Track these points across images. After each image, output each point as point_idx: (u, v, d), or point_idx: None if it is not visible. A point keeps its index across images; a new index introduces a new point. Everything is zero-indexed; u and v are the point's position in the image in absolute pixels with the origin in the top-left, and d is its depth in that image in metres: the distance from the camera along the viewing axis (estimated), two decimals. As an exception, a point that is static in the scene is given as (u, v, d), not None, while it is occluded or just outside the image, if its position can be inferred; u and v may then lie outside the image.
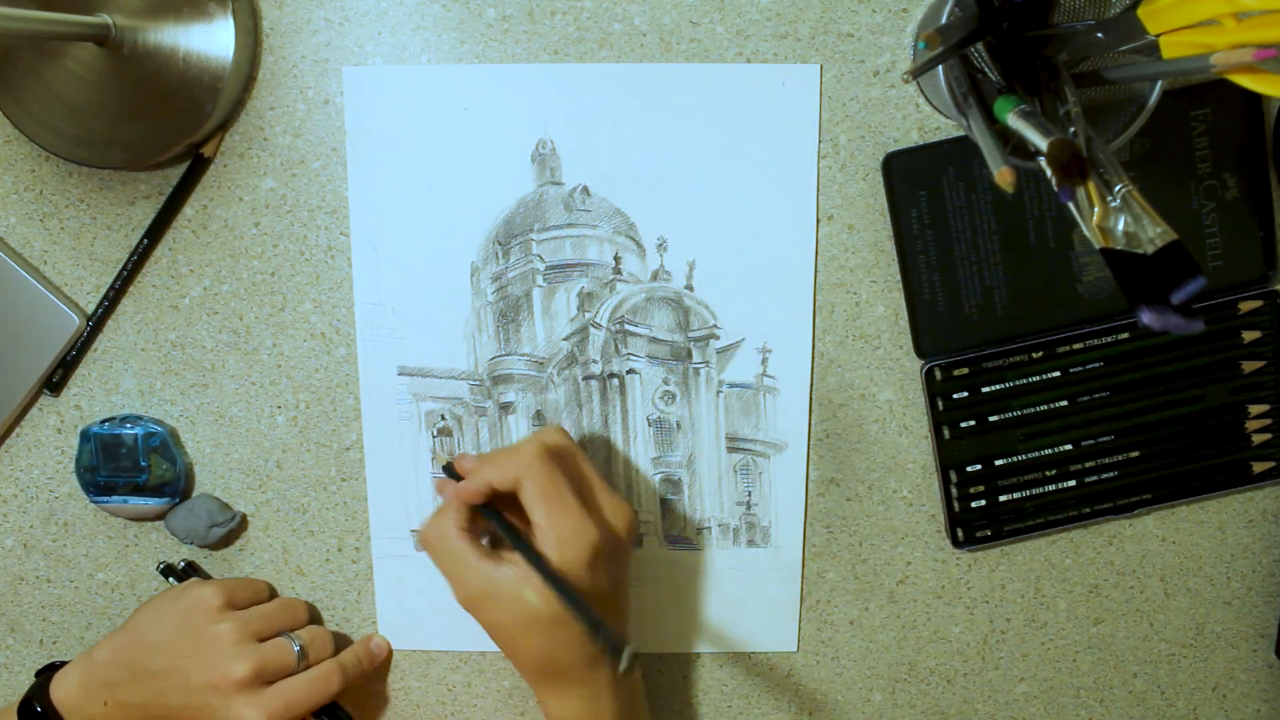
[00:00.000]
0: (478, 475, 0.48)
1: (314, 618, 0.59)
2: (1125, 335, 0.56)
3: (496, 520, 0.49)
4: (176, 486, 0.56)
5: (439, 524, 0.49)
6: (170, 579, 0.58)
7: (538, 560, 0.46)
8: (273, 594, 0.59)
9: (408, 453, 0.57)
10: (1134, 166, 0.54)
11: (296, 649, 0.53)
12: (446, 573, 0.48)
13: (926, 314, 0.55)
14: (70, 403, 0.57)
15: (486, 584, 0.47)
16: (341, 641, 0.59)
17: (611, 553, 0.49)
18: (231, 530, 0.57)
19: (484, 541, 0.50)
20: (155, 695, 0.51)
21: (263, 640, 0.53)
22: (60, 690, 0.52)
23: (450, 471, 0.51)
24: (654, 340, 0.56)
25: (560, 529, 0.47)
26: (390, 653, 0.60)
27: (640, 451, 0.58)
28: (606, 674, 0.49)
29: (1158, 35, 0.41)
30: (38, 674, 0.55)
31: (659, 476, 0.58)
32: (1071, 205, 0.40)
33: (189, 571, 0.58)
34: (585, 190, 0.55)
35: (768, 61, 0.53)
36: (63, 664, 0.54)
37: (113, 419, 0.56)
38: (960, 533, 0.58)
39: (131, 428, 0.55)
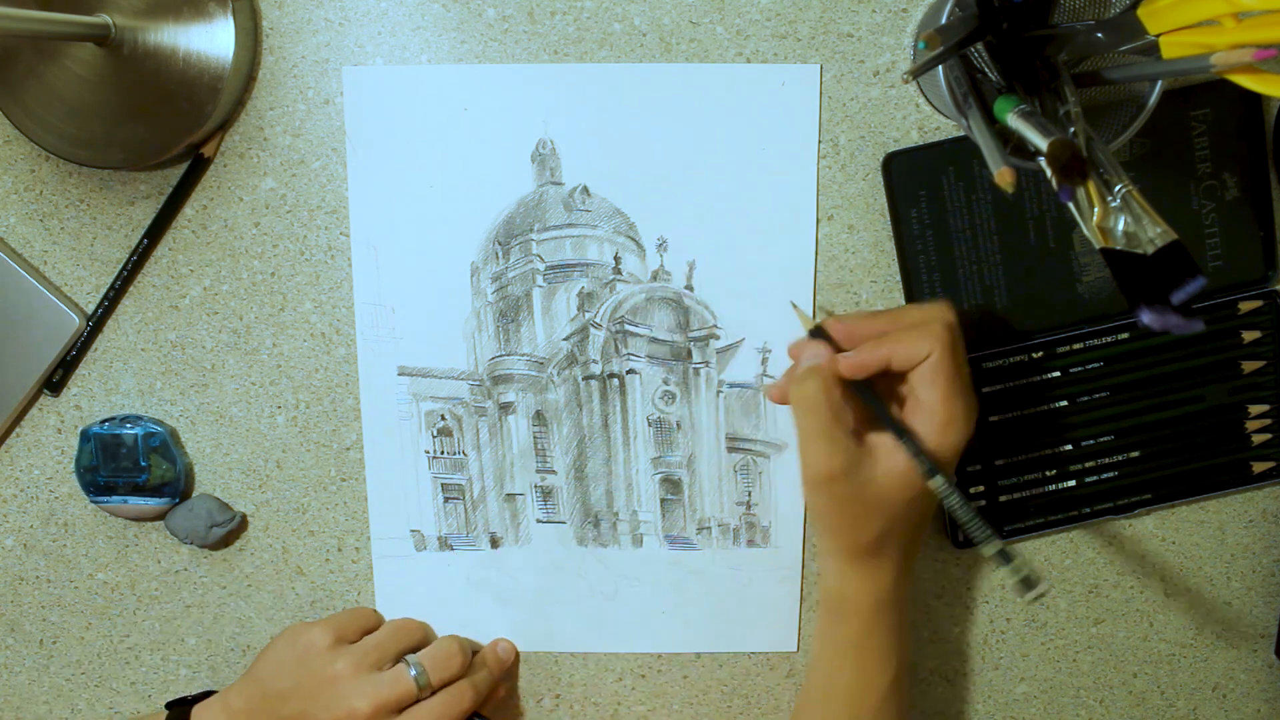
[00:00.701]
0: (877, 347, 0.46)
1: (427, 635, 0.58)
2: (1125, 335, 0.56)
3: (868, 395, 0.47)
4: (176, 487, 0.56)
5: (812, 385, 0.46)
6: None
7: (916, 446, 0.45)
8: (379, 619, 0.58)
9: (408, 453, 0.57)
10: (1134, 166, 0.54)
11: (414, 673, 0.53)
12: (810, 442, 0.46)
13: (926, 314, 0.55)
14: (70, 403, 0.57)
15: (848, 462, 0.46)
16: (471, 649, 0.57)
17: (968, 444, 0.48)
18: (231, 530, 0.57)
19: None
20: None
21: (383, 669, 0.53)
22: None
23: (820, 334, 0.49)
24: (654, 340, 0.56)
25: (952, 412, 0.45)
26: (517, 655, 0.59)
27: (640, 451, 0.58)
28: (908, 563, 0.49)
29: (1158, 35, 0.41)
30: (168, 705, 0.55)
31: (659, 476, 0.58)
32: (1071, 205, 0.40)
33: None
34: (585, 190, 0.55)
35: (768, 61, 0.53)
36: (191, 699, 0.55)
37: (112, 419, 0.56)
38: (960, 533, 0.58)
39: (131, 428, 0.55)
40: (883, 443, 0.47)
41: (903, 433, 0.46)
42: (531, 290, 0.56)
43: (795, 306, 0.54)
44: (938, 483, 0.45)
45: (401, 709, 0.52)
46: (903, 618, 0.50)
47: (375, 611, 0.58)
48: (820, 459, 0.46)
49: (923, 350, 0.46)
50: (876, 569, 0.49)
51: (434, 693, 0.53)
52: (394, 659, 0.54)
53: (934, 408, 0.46)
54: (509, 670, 0.59)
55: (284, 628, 0.57)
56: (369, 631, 0.56)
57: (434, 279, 0.55)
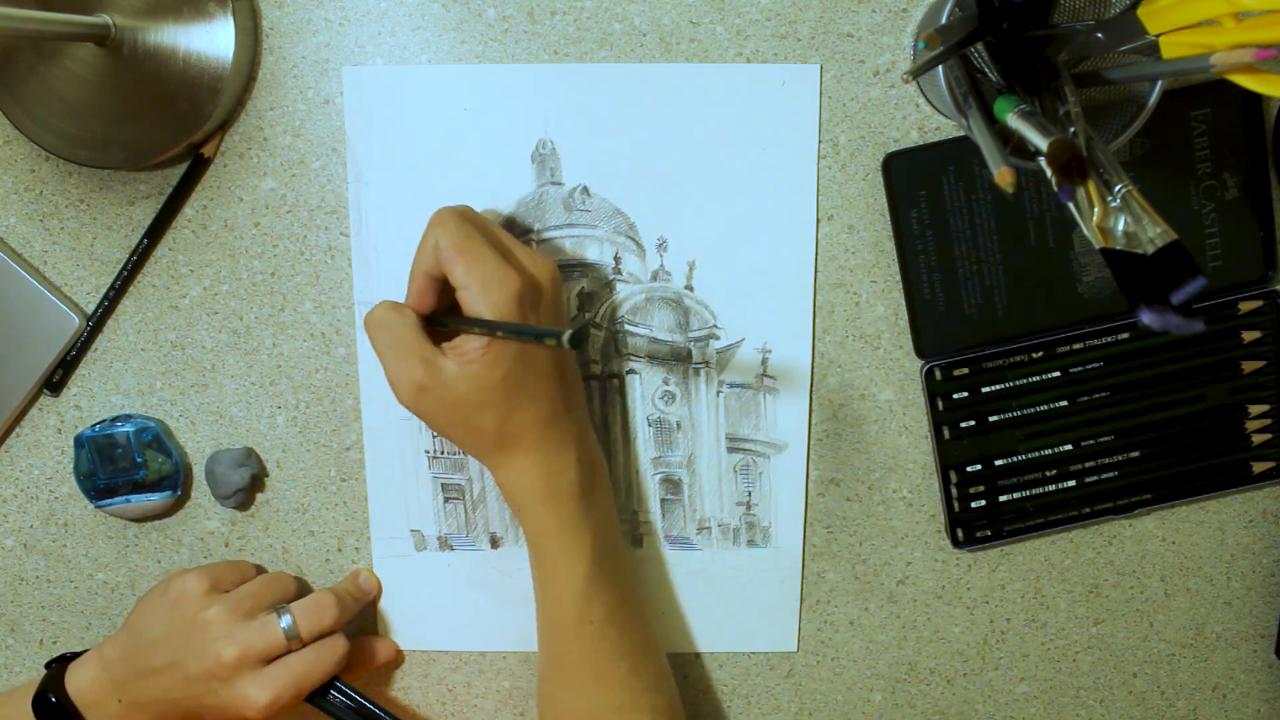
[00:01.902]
0: (414, 274, 0.48)
1: (303, 589, 0.57)
2: (1125, 335, 0.56)
3: (437, 317, 0.48)
4: (176, 479, 0.56)
5: (388, 310, 0.48)
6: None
7: (473, 319, 0.46)
8: (260, 573, 0.58)
9: (408, 453, 0.57)
10: (1134, 166, 0.54)
11: (284, 624, 0.52)
12: (390, 358, 0.47)
13: (926, 314, 0.55)
14: (70, 403, 0.57)
15: (434, 369, 0.47)
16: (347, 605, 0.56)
17: (536, 298, 0.48)
18: (256, 476, 0.56)
19: None
20: (163, 690, 0.51)
21: (254, 618, 0.52)
22: (75, 684, 0.52)
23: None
24: (654, 340, 0.56)
25: (480, 277, 0.46)
26: (380, 589, 0.59)
27: (640, 451, 0.58)
28: (560, 435, 0.50)
29: (1158, 35, 0.41)
30: (47, 665, 0.55)
31: (659, 476, 0.58)
32: (1071, 205, 0.40)
33: None
34: (585, 190, 0.55)
35: (768, 61, 0.53)
36: (71, 656, 0.54)
37: (103, 421, 0.56)
38: (960, 533, 0.58)
39: (123, 425, 0.55)
40: (457, 345, 0.47)
41: (456, 318, 0.46)
42: (531, 290, 0.56)
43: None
44: (488, 329, 0.46)
45: (270, 659, 0.51)
46: (583, 500, 0.50)
47: (254, 565, 0.58)
48: (403, 371, 0.47)
49: (429, 243, 0.47)
50: (518, 459, 0.49)
51: (304, 645, 0.52)
52: (267, 608, 0.53)
53: (464, 282, 0.46)
54: (371, 602, 0.59)
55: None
56: (246, 582, 0.55)
57: (434, 279, 0.55)
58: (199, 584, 0.53)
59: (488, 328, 0.46)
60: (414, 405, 0.48)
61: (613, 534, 0.53)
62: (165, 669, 0.51)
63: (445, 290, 0.49)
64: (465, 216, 0.48)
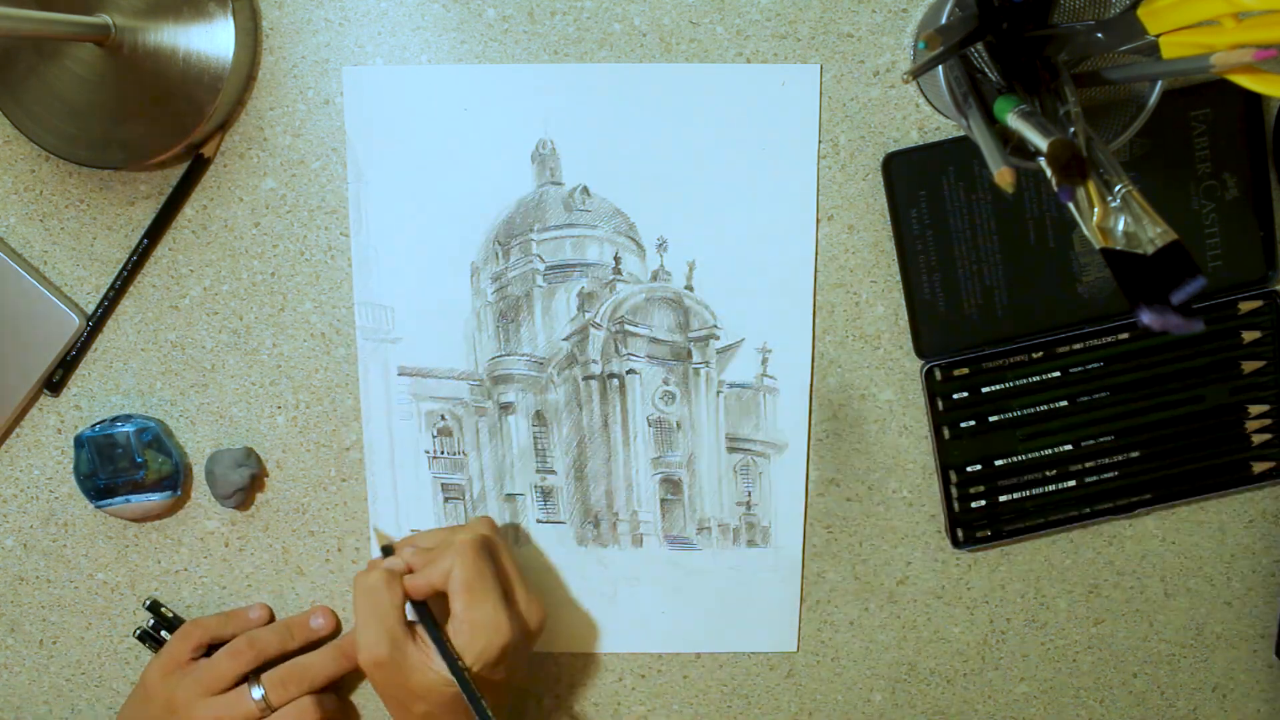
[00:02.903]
0: (423, 577, 0.50)
1: (263, 651, 0.56)
2: (1125, 335, 0.56)
3: (422, 613, 0.50)
4: (175, 479, 0.56)
5: (381, 584, 0.50)
6: (147, 643, 0.59)
7: (450, 655, 0.48)
8: (240, 623, 0.58)
9: (408, 453, 0.57)
10: (1134, 166, 0.54)
11: (256, 695, 0.54)
12: (365, 626, 0.49)
13: (926, 314, 0.55)
14: (70, 403, 0.57)
15: (398, 652, 0.49)
16: (319, 674, 0.57)
17: (519, 647, 0.51)
18: (255, 475, 0.57)
19: None
20: None
21: (225, 691, 0.54)
22: None
23: (388, 553, 0.53)
24: (654, 340, 0.56)
25: (475, 624, 0.49)
26: (337, 626, 0.59)
27: (640, 451, 0.58)
28: None
29: (1158, 35, 0.41)
30: None
31: (659, 476, 0.58)
32: (1071, 205, 0.40)
33: (162, 626, 0.58)
34: (585, 190, 0.55)
35: (768, 61, 0.53)
36: None
37: (103, 421, 0.56)
38: (960, 533, 0.58)
39: (123, 425, 0.55)
40: (430, 646, 0.50)
41: (442, 643, 0.49)
42: (531, 290, 0.56)
43: (377, 529, 0.57)
44: (457, 680, 0.48)
45: None
46: None
47: (213, 619, 0.57)
48: (370, 643, 0.49)
49: (445, 567, 0.50)
50: None
51: (273, 710, 0.55)
52: (234, 680, 0.55)
53: (459, 617, 0.49)
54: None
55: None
56: (209, 641, 0.56)
57: (434, 279, 0.55)
58: (154, 673, 0.55)
59: (451, 669, 0.48)
60: (368, 672, 0.50)
61: None
62: None
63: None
64: (484, 551, 0.50)
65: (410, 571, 0.51)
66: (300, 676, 0.56)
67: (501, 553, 0.52)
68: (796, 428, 0.57)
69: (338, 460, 0.58)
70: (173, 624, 0.58)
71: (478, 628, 0.49)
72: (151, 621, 0.59)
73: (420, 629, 0.50)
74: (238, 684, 0.55)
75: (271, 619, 0.59)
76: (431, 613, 0.50)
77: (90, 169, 0.54)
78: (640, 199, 0.55)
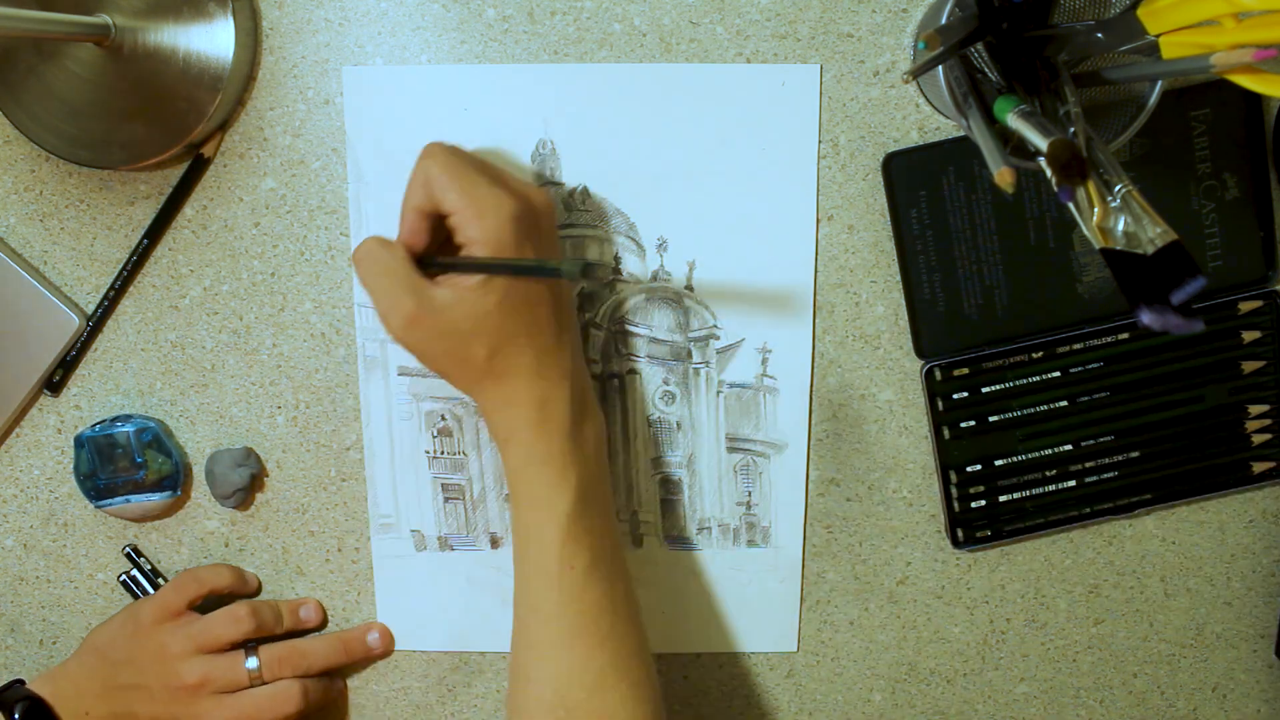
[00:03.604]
0: (406, 213, 0.47)
1: (262, 625, 0.56)
2: (1125, 335, 0.56)
3: (430, 260, 0.46)
4: (176, 479, 0.56)
5: (375, 244, 0.46)
6: (134, 587, 0.58)
7: (469, 260, 0.45)
8: (235, 580, 0.58)
9: (408, 453, 0.57)
10: (1134, 166, 0.54)
11: (250, 665, 0.54)
12: (379, 291, 0.46)
13: (926, 314, 0.55)
14: (70, 403, 0.57)
15: (426, 300, 0.45)
16: (314, 657, 0.57)
17: (532, 223, 0.46)
18: (255, 475, 0.57)
19: None
20: (126, 705, 0.54)
21: (217, 653, 0.54)
22: (44, 692, 0.53)
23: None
24: (654, 340, 0.56)
25: (476, 203, 0.44)
26: (324, 620, 0.59)
27: (640, 451, 0.58)
28: (554, 365, 0.48)
29: (1158, 35, 0.41)
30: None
31: (659, 476, 0.58)
32: (1071, 205, 0.40)
33: (142, 577, 0.58)
34: (585, 190, 0.55)
35: (768, 61, 0.53)
36: (17, 682, 0.55)
37: (103, 421, 0.56)
38: (960, 533, 0.58)
39: (123, 425, 0.55)
40: (451, 276, 0.46)
41: (450, 260, 0.45)
42: (531, 290, 0.56)
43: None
44: (486, 266, 0.44)
45: (231, 692, 0.54)
46: (572, 438, 0.48)
47: (209, 573, 0.57)
48: (392, 305, 0.45)
49: (420, 176, 0.46)
50: (508, 390, 0.47)
51: (265, 684, 0.55)
52: (219, 646, 0.55)
53: (458, 208, 0.45)
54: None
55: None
56: (204, 595, 0.56)
57: (434, 279, 0.55)
58: (149, 614, 0.55)
59: (484, 268, 0.44)
60: (404, 338, 0.46)
61: (601, 475, 0.50)
62: (131, 687, 0.53)
63: (437, 230, 0.47)
64: (452, 150, 0.47)
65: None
66: (299, 660, 0.56)
67: (477, 154, 0.48)
68: (796, 428, 0.57)
69: (338, 460, 0.58)
70: (150, 575, 0.58)
71: (479, 208, 0.44)
72: (131, 570, 0.58)
73: (437, 279, 0.46)
74: (231, 648, 0.55)
75: (259, 589, 0.59)
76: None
77: (90, 169, 0.54)
78: (640, 199, 0.55)
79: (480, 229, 0.44)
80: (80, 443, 0.55)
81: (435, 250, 0.47)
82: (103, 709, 0.53)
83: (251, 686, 0.54)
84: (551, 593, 0.47)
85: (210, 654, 0.54)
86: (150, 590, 0.58)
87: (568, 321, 0.49)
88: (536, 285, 0.46)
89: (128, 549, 0.58)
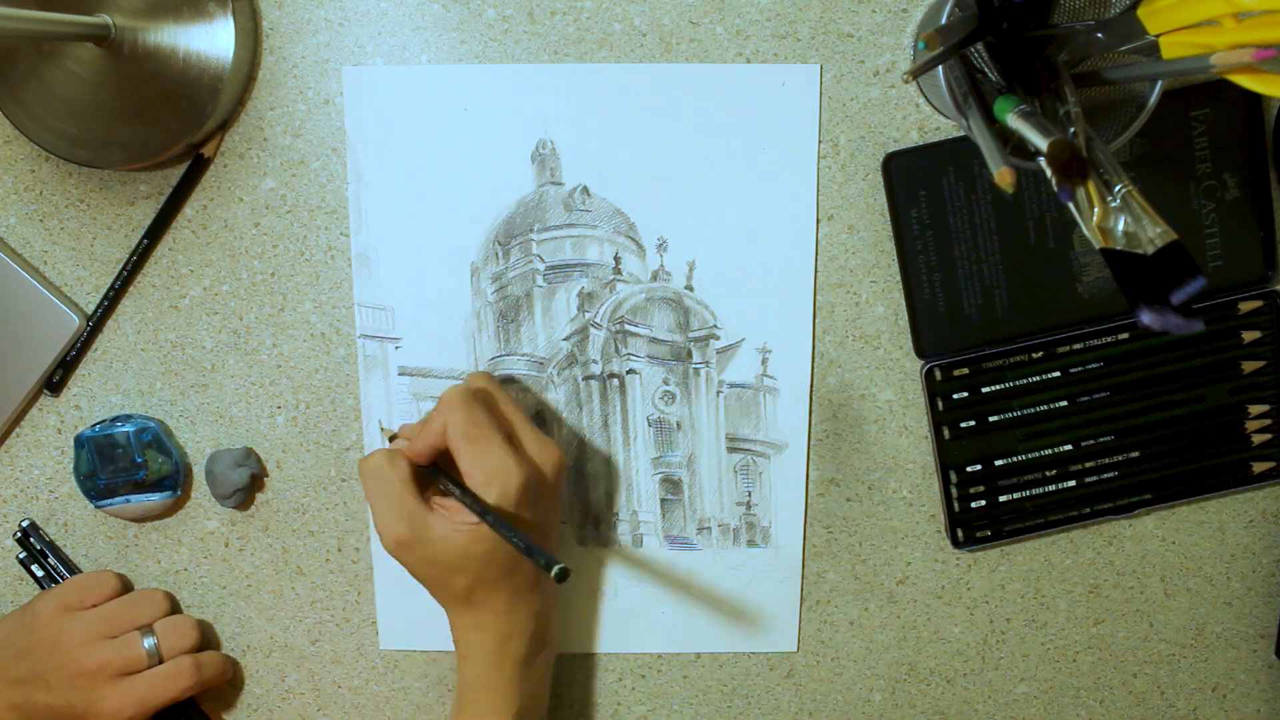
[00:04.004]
0: (420, 440, 0.49)
1: (174, 606, 0.58)
2: (1125, 335, 0.56)
3: (435, 472, 0.49)
4: (176, 479, 0.56)
5: (383, 462, 0.50)
6: (31, 565, 0.58)
7: (469, 497, 0.47)
8: (128, 586, 0.58)
9: (408, 453, 0.57)
10: (1134, 166, 0.54)
11: (148, 644, 0.55)
12: (378, 509, 0.49)
13: (926, 314, 0.55)
14: (70, 403, 0.57)
15: (419, 526, 0.48)
16: (208, 632, 0.59)
17: (538, 491, 0.49)
18: (255, 475, 0.57)
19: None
20: (25, 696, 0.54)
21: (115, 636, 0.55)
22: None
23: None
24: (654, 340, 0.56)
25: (485, 468, 0.48)
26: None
27: (640, 451, 0.58)
28: (524, 610, 0.51)
29: (1158, 35, 0.41)
30: None
31: (659, 476, 0.58)
32: (1071, 205, 0.40)
33: (36, 545, 0.58)
34: (585, 190, 0.55)
35: (768, 61, 0.53)
36: None
37: (103, 421, 0.56)
38: (960, 533, 0.58)
39: (123, 425, 0.55)
40: (449, 504, 0.49)
41: (459, 490, 0.48)
42: (531, 290, 0.56)
43: (380, 424, 0.57)
44: (486, 528, 0.47)
45: (130, 674, 0.54)
46: (524, 668, 0.52)
47: (114, 577, 0.57)
48: (390, 524, 0.49)
49: (438, 424, 0.49)
50: (479, 617, 0.51)
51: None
52: (128, 629, 0.55)
53: (468, 470, 0.48)
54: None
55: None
56: (107, 597, 0.56)
57: (434, 279, 0.55)
58: (48, 606, 0.55)
59: (482, 517, 0.47)
60: (393, 554, 0.50)
61: (542, 694, 0.55)
62: (28, 679, 0.54)
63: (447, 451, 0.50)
64: (474, 400, 0.49)
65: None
66: (193, 631, 0.56)
67: (498, 400, 0.51)
68: (796, 428, 0.57)
69: (338, 460, 0.58)
70: (42, 554, 0.58)
71: (488, 476, 0.48)
72: (22, 554, 0.58)
73: (435, 501, 0.49)
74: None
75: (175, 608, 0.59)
76: (441, 468, 0.49)
77: (90, 169, 0.54)
78: (640, 199, 0.55)
79: (485, 494, 0.48)
80: (80, 443, 0.55)
81: (444, 471, 0.50)
82: (1, 701, 0.54)
83: (150, 668, 0.55)
84: None
85: (108, 639, 0.54)
86: (44, 571, 0.57)
87: (552, 533, 0.54)
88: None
89: (24, 523, 0.58)
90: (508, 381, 0.56)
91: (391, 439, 0.53)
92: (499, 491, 0.47)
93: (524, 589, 0.51)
